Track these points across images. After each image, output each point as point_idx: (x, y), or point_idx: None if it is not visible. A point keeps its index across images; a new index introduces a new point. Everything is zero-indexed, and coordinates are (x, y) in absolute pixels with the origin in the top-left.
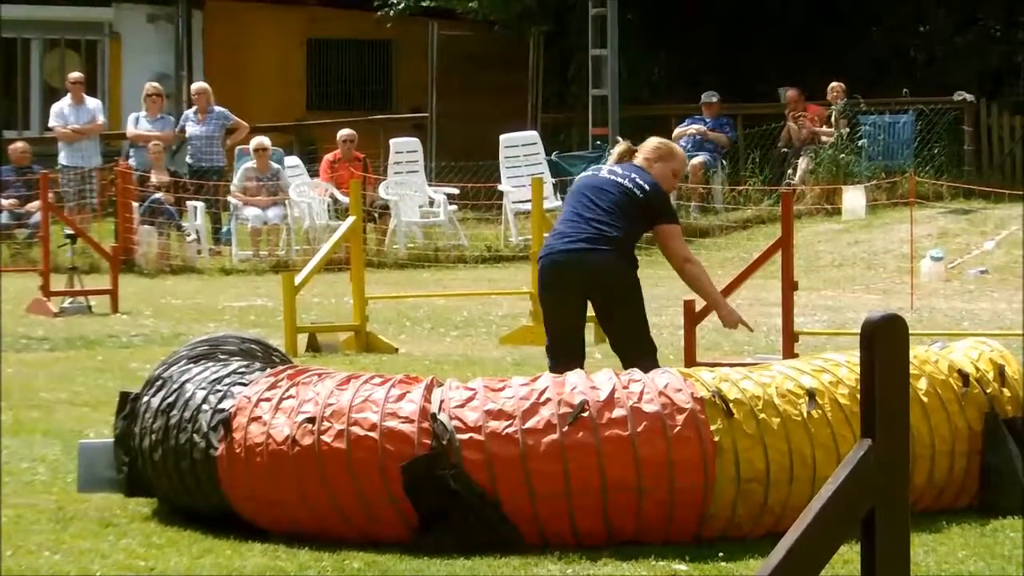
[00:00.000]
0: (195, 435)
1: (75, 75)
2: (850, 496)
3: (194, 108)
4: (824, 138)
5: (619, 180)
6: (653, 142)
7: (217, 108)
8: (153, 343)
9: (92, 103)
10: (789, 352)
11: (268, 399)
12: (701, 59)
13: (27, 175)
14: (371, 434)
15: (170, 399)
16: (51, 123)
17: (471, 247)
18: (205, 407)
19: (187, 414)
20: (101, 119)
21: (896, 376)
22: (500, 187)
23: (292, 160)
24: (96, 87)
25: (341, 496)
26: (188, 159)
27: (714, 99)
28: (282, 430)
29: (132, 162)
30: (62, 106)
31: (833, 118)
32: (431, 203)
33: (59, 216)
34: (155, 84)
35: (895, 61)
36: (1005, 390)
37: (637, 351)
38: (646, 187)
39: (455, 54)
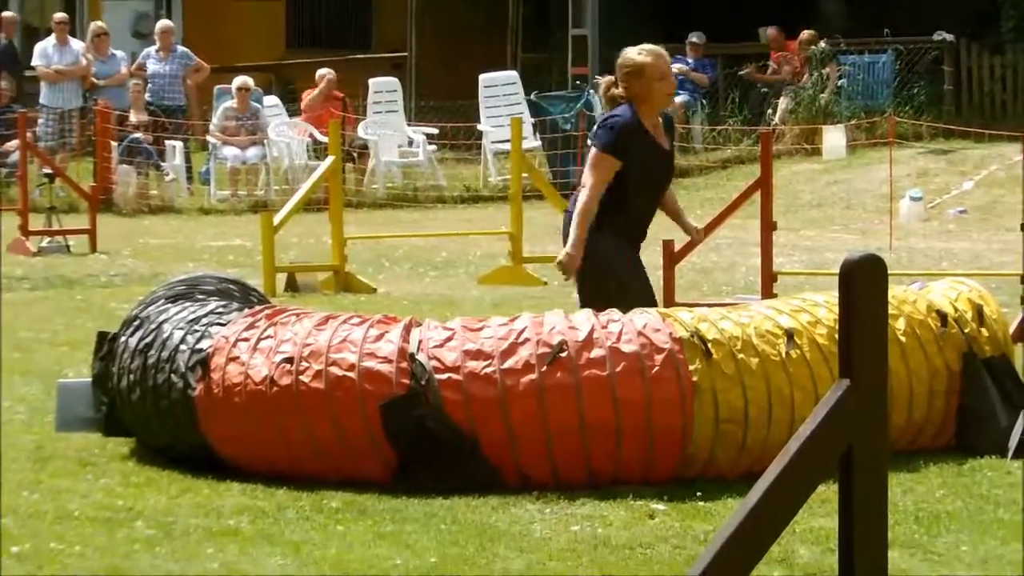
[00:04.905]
0: (173, 375)
1: (59, 16)
2: (828, 436)
3: (156, 46)
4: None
5: None
6: (619, 62)
7: (180, 48)
8: (132, 283)
9: (76, 45)
10: (768, 292)
11: (246, 339)
12: None
13: (5, 115)
14: (349, 374)
15: (148, 339)
16: (34, 62)
17: (450, 187)
18: (183, 347)
19: (165, 354)
20: (84, 62)
21: (875, 316)
22: (479, 127)
23: (271, 100)
24: (75, 27)
25: (319, 436)
26: (148, 96)
27: (700, 40)
28: (260, 370)
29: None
30: (46, 46)
31: (814, 61)
32: (410, 143)
33: (37, 155)
34: (100, 24)
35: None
36: (983, 330)
37: None
38: (595, 131)
39: None
